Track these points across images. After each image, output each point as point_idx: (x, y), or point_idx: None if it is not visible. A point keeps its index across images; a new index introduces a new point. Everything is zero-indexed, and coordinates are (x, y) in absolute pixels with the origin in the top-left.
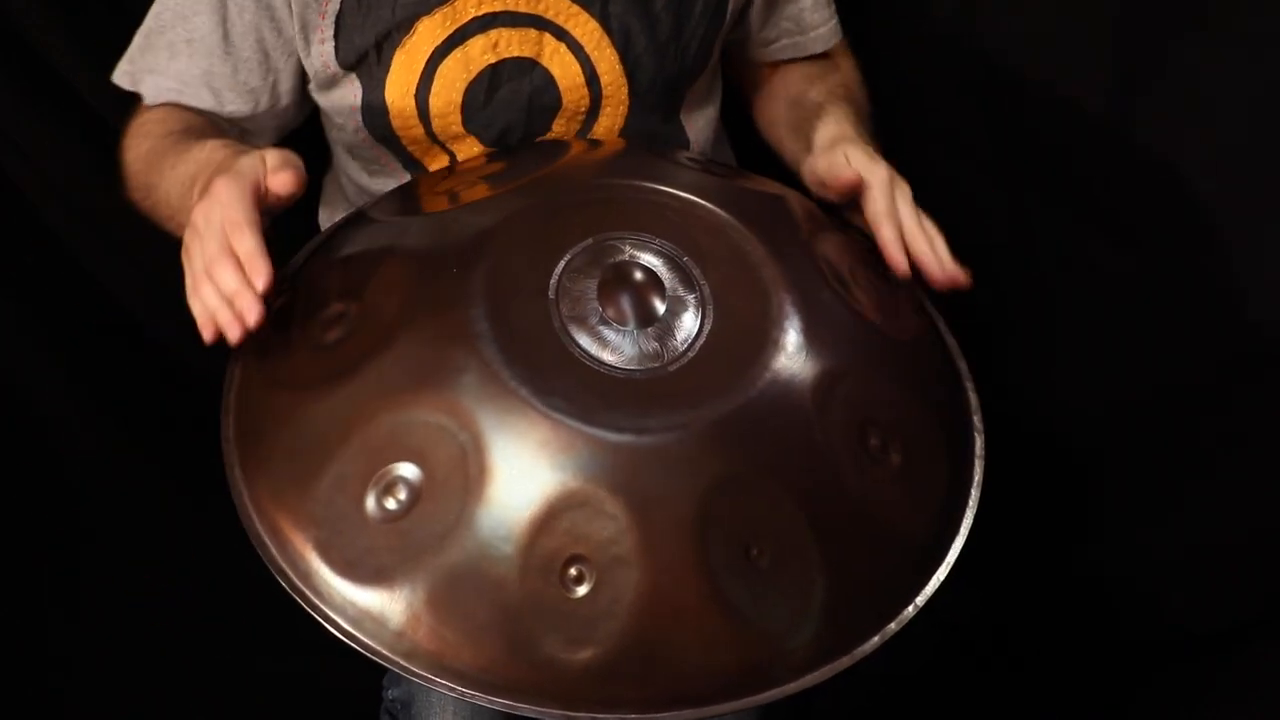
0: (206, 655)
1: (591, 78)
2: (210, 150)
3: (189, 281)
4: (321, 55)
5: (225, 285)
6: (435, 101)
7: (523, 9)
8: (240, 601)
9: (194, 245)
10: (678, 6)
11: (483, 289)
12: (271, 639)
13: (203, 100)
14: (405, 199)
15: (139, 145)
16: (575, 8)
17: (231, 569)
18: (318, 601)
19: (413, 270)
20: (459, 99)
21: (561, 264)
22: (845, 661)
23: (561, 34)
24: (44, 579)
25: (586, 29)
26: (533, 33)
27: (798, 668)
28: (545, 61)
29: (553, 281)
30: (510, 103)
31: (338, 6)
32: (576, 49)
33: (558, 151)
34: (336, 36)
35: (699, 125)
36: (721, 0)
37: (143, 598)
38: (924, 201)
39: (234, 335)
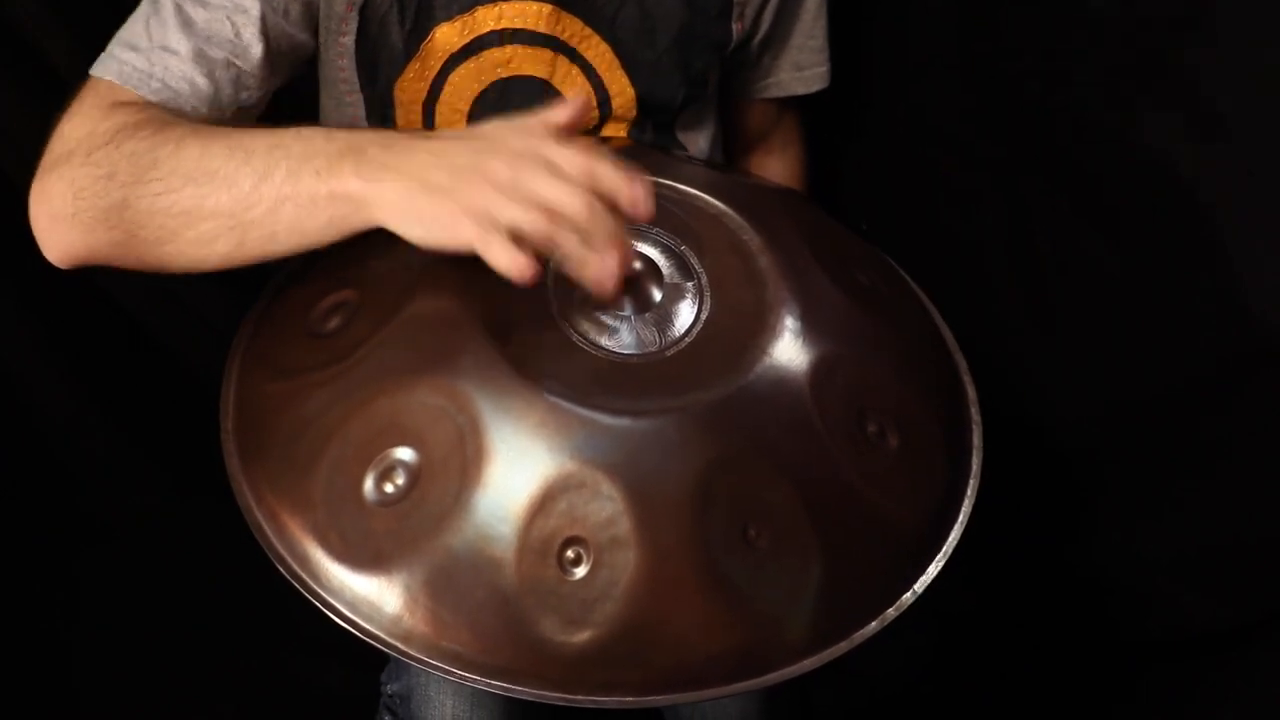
0: (206, 655)
1: (604, 100)
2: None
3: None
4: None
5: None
6: (442, 109)
7: (542, 29)
8: (240, 601)
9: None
10: (681, 35)
11: (481, 275)
12: (271, 639)
13: None
14: None
15: None
16: (588, 29)
17: (231, 569)
18: (315, 586)
19: (411, 257)
20: (466, 108)
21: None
22: (844, 646)
23: (575, 56)
24: (44, 579)
25: (598, 51)
26: (547, 53)
27: (796, 651)
28: (557, 83)
29: (550, 269)
30: None
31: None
32: (589, 71)
33: None
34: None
35: (699, 143)
36: (724, 33)
37: (142, 598)
38: (925, 201)
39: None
